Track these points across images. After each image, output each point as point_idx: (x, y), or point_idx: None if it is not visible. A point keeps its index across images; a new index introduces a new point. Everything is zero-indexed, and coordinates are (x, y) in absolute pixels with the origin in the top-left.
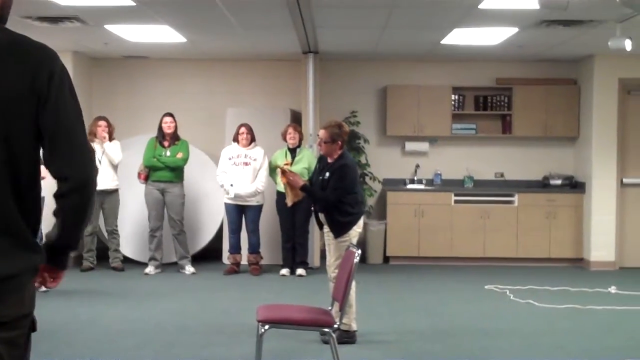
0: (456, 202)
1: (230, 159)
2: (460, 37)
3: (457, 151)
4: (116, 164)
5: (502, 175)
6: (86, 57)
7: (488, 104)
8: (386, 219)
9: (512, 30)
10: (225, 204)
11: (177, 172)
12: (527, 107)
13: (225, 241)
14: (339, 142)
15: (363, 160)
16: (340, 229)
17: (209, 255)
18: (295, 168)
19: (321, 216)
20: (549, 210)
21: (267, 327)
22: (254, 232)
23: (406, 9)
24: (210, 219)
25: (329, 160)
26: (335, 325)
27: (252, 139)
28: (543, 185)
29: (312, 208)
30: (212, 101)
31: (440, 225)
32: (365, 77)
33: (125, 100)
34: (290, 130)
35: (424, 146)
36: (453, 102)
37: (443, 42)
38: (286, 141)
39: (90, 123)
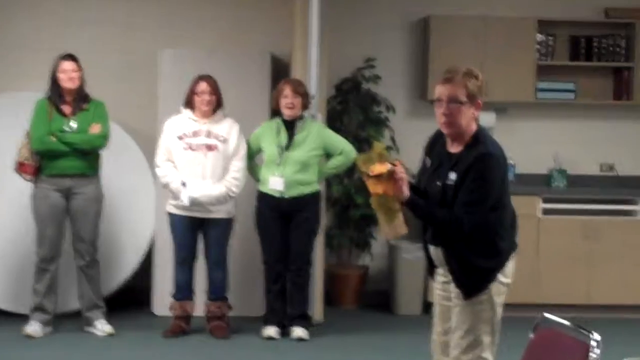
0: (546, 211)
1: (180, 138)
2: None
3: (542, 127)
4: None
5: (611, 167)
6: None
7: (594, 51)
8: None
9: None
10: (171, 215)
11: (90, 158)
12: None
13: (162, 278)
14: (479, 102)
15: (386, 141)
16: (476, 281)
17: (127, 301)
18: (297, 155)
19: (436, 251)
20: None
21: None
22: (218, 265)
23: None
24: (132, 241)
25: (452, 149)
26: None
27: (219, 104)
28: None
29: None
30: (135, 39)
31: (518, 252)
32: (390, 5)
33: None
34: (288, 91)
35: (488, 118)
36: (538, 47)
37: None
38: (280, 109)
39: None
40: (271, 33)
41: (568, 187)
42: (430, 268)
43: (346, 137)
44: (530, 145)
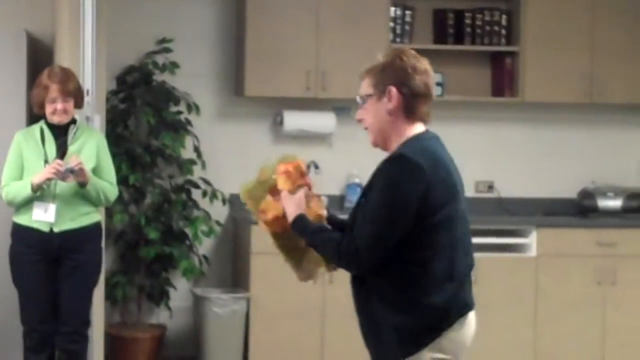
0: None
1: None
2: None
3: None
4: None
5: (490, 187)
6: None
7: (466, 31)
8: (249, 290)
9: None
10: None
11: None
12: (549, 39)
13: None
14: (390, 90)
15: (188, 152)
16: (384, 343)
17: None
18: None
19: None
20: (600, 266)
21: None
22: None
23: None
24: None
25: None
26: None
27: None
28: (581, 209)
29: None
30: None
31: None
32: None
33: None
34: (55, 92)
35: (325, 121)
36: (392, 25)
37: None
38: (43, 112)
39: None
40: (27, 3)
41: None
42: None
43: (133, 149)
44: (380, 157)
